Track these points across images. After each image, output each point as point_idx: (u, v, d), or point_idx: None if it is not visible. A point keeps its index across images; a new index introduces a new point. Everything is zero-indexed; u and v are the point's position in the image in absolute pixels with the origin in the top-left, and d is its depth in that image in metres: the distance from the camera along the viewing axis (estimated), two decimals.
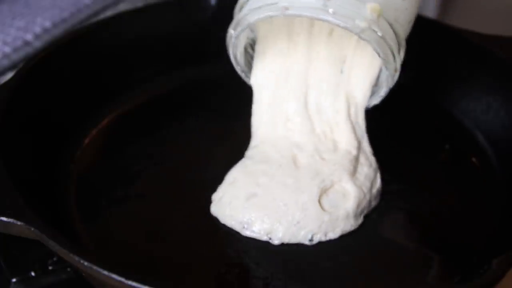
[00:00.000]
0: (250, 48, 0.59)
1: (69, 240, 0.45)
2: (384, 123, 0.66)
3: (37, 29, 0.74)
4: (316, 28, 0.58)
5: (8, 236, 0.47)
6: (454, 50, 0.67)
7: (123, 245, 0.53)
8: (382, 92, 0.57)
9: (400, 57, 0.54)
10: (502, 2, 1.06)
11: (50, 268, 0.51)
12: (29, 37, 0.73)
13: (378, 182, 0.57)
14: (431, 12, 1.12)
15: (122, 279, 0.42)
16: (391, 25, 0.52)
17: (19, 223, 0.46)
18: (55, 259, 0.51)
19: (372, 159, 0.58)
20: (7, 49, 0.71)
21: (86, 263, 0.43)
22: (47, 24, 0.75)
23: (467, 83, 0.66)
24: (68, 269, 0.51)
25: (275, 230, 0.53)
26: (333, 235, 0.54)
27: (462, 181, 0.60)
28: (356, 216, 0.54)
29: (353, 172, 0.56)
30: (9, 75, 0.63)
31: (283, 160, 0.56)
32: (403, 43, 0.54)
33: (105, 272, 0.42)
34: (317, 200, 0.54)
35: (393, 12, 0.53)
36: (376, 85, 0.59)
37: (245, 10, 0.53)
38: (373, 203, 0.56)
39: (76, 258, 0.43)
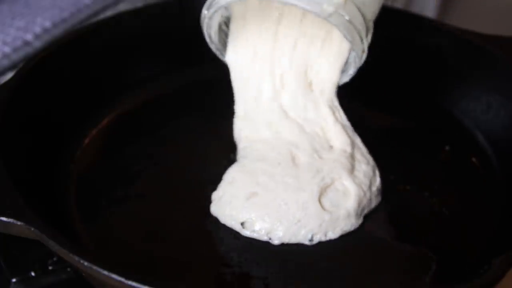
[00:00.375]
0: (225, 25, 0.60)
1: (69, 240, 0.45)
2: (384, 123, 0.66)
3: (37, 29, 0.74)
4: (287, 10, 0.59)
5: (8, 236, 0.47)
6: (454, 50, 0.67)
7: (123, 245, 0.53)
8: (351, 71, 0.58)
9: (367, 39, 0.55)
10: (502, 2, 1.06)
11: (50, 268, 0.51)
12: (29, 37, 0.73)
13: (377, 180, 0.57)
14: (431, 12, 1.12)
15: (122, 279, 0.42)
16: (359, 9, 0.53)
17: (19, 223, 0.46)
18: (55, 259, 0.51)
19: (369, 156, 0.58)
20: (7, 49, 0.71)
21: (86, 263, 0.43)
22: (47, 24, 0.75)
23: (467, 83, 0.66)
24: (68, 269, 0.51)
25: (275, 230, 0.53)
26: (333, 235, 0.54)
27: (462, 181, 0.60)
28: (357, 215, 0.54)
29: (351, 170, 0.56)
30: (9, 75, 0.63)
31: (281, 158, 0.56)
32: (371, 25, 0.55)
33: (105, 272, 0.42)
34: (317, 199, 0.54)
35: None
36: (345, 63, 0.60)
37: None
38: (374, 203, 0.56)
39: (76, 258, 0.43)
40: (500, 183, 0.59)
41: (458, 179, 0.60)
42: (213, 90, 0.68)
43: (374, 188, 0.57)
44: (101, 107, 0.64)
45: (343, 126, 0.59)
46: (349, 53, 0.58)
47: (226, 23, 0.60)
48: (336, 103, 0.60)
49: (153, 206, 0.56)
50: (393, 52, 0.69)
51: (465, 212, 0.57)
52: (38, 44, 0.73)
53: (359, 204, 0.55)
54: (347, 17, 0.52)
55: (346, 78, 0.59)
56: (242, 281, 0.50)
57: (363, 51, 0.55)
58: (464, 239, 0.54)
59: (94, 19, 0.77)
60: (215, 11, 0.55)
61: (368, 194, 0.56)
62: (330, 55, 0.59)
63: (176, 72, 0.70)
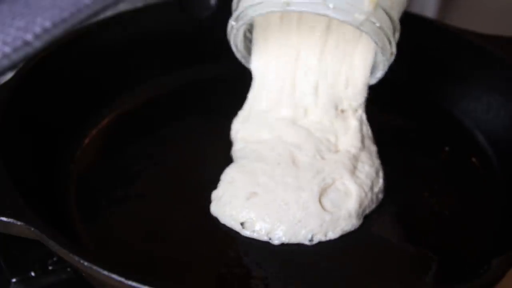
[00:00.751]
0: (248, 32, 0.60)
1: (69, 240, 0.45)
2: (384, 123, 0.66)
3: (37, 29, 0.74)
4: (312, 20, 0.59)
5: (8, 236, 0.47)
6: (454, 50, 0.67)
7: (123, 245, 0.53)
8: (379, 74, 0.59)
9: (395, 41, 0.55)
10: (502, 2, 1.06)
11: (50, 268, 0.51)
12: (29, 37, 0.73)
13: (380, 182, 0.57)
14: (431, 12, 1.12)
15: (122, 279, 0.42)
16: (387, 13, 0.53)
17: (19, 223, 0.46)
18: (55, 259, 0.51)
19: (375, 158, 0.59)
20: (7, 49, 0.71)
21: (86, 263, 0.43)
22: (47, 24, 0.75)
23: (467, 83, 0.66)
24: (68, 269, 0.51)
25: (275, 230, 0.53)
26: (333, 235, 0.54)
27: (462, 181, 0.60)
28: (358, 216, 0.54)
29: (353, 170, 0.56)
30: (9, 75, 0.63)
31: (280, 159, 0.56)
32: (398, 26, 0.56)
33: (105, 272, 0.42)
34: (317, 199, 0.54)
35: (390, 1, 0.54)
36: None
37: (246, 2, 0.54)
38: (375, 203, 0.56)
39: (76, 258, 0.43)
40: (500, 183, 0.59)
41: (458, 179, 0.60)
42: (213, 90, 0.68)
43: (376, 189, 0.57)
44: (101, 107, 0.64)
45: (362, 135, 0.59)
46: (374, 58, 0.59)
47: (249, 30, 0.60)
48: (364, 117, 0.60)
49: (153, 206, 0.56)
50: None
51: (465, 212, 0.57)
52: (38, 44, 0.73)
53: (360, 204, 0.55)
54: (378, 24, 0.52)
55: (373, 81, 0.60)
56: (242, 281, 0.50)
57: (391, 54, 0.56)
58: (464, 239, 0.54)
59: (94, 19, 0.77)
60: (244, 24, 0.55)
61: (369, 195, 0.55)
62: (357, 66, 0.60)
63: (176, 72, 0.69)
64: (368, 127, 0.60)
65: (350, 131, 0.59)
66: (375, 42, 0.53)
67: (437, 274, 0.51)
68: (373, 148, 0.60)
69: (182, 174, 0.59)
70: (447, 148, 0.63)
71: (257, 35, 0.60)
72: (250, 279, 0.51)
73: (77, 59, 0.64)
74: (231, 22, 0.56)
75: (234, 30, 0.56)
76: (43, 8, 0.77)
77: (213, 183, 0.57)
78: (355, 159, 0.57)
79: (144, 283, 0.42)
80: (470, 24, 0.69)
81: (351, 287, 0.51)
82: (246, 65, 0.61)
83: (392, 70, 0.70)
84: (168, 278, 0.50)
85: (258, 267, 0.52)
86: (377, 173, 0.57)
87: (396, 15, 0.55)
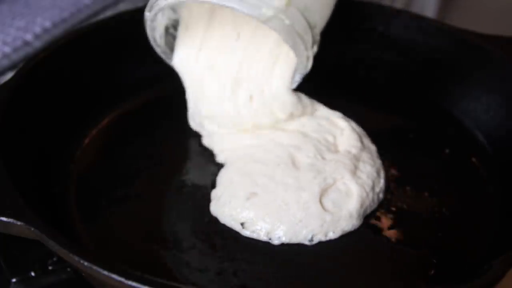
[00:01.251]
0: (173, 28, 0.60)
1: (69, 240, 0.45)
2: (384, 123, 0.66)
3: (37, 29, 0.74)
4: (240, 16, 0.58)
5: (8, 236, 0.47)
6: (454, 50, 0.67)
7: (123, 245, 0.53)
8: (297, 77, 0.58)
9: (313, 49, 0.54)
10: (502, 2, 1.06)
11: (50, 268, 0.51)
12: (29, 37, 0.73)
13: (381, 182, 0.57)
14: (431, 12, 1.12)
15: (122, 279, 0.42)
16: (302, 14, 0.52)
17: (19, 223, 0.46)
18: (55, 259, 0.51)
19: (376, 158, 0.59)
20: (7, 49, 0.71)
21: (86, 263, 0.43)
22: (47, 24, 0.75)
23: (467, 83, 0.66)
24: (68, 269, 0.51)
25: (275, 230, 0.53)
26: (333, 235, 0.54)
27: (462, 181, 0.60)
28: (358, 216, 0.54)
29: (354, 170, 0.56)
30: (9, 75, 0.63)
31: (280, 160, 0.56)
32: (318, 37, 0.54)
33: (105, 272, 0.42)
34: (318, 199, 0.54)
35: (304, 1, 0.53)
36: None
37: None
38: (376, 203, 0.56)
39: (76, 258, 0.43)
40: (500, 183, 0.59)
41: (458, 179, 0.60)
42: None
43: (377, 189, 0.57)
44: (101, 107, 0.64)
45: (358, 134, 0.59)
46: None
47: (174, 26, 0.59)
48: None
49: (153, 206, 0.56)
50: (393, 52, 0.70)
51: (465, 212, 0.57)
52: (38, 44, 0.73)
53: (361, 205, 0.55)
54: (287, 21, 0.51)
55: (293, 85, 0.59)
56: (242, 281, 0.50)
57: (307, 58, 0.54)
58: (464, 239, 0.54)
59: (94, 19, 0.77)
60: (156, 14, 0.55)
61: (370, 195, 0.55)
62: (277, 74, 0.58)
63: (176, 72, 0.69)
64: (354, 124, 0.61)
65: (345, 131, 0.60)
66: (285, 40, 0.51)
67: (437, 274, 0.51)
68: (373, 147, 0.60)
69: (182, 174, 0.59)
70: (447, 151, 0.63)
71: (181, 30, 0.59)
72: (250, 279, 0.51)
73: (77, 59, 0.64)
74: (145, 13, 0.56)
75: (148, 21, 0.56)
76: (43, 8, 0.77)
77: (213, 183, 0.57)
78: (356, 159, 0.57)
79: (144, 283, 0.42)
80: (470, 24, 0.69)
81: (350, 287, 0.51)
82: (167, 61, 0.61)
83: (392, 70, 0.70)
84: (168, 278, 0.50)
85: (258, 267, 0.52)
86: (378, 173, 0.57)
87: (314, 20, 0.53)
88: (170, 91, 0.68)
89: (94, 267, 0.43)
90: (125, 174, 0.59)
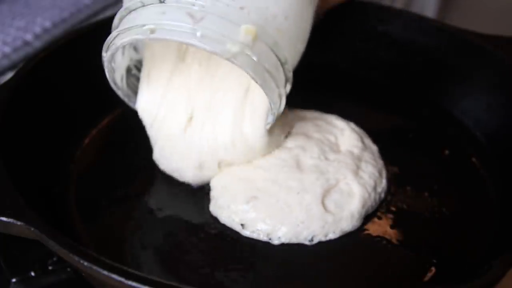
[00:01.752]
0: (136, 69, 0.56)
1: (69, 240, 0.45)
2: (384, 123, 0.66)
3: (37, 29, 0.74)
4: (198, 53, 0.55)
5: (8, 236, 0.47)
6: (454, 50, 0.67)
7: (123, 245, 0.53)
8: (270, 118, 0.53)
9: (284, 85, 0.50)
10: (502, 2, 1.06)
11: (50, 268, 0.51)
12: (29, 37, 0.73)
13: (383, 182, 0.57)
14: (431, 12, 1.12)
15: (122, 279, 0.42)
16: (271, 48, 0.48)
17: (19, 223, 0.46)
18: (55, 259, 0.51)
19: (378, 157, 0.59)
20: (7, 49, 0.71)
21: (86, 263, 0.43)
22: (47, 24, 0.75)
23: (467, 83, 0.66)
24: (68, 269, 0.51)
25: (277, 231, 0.53)
26: (333, 235, 0.54)
27: (462, 181, 0.60)
28: (360, 216, 0.54)
29: (357, 171, 0.56)
30: (9, 75, 0.63)
31: (284, 163, 0.56)
32: (290, 74, 0.50)
33: (105, 272, 0.42)
34: (320, 201, 0.54)
35: (274, 34, 0.48)
36: None
37: (115, 31, 0.50)
38: (377, 203, 0.56)
39: (76, 258, 0.43)
40: (500, 183, 0.59)
41: (458, 179, 0.60)
42: None
43: (379, 189, 0.56)
44: (101, 107, 0.64)
45: (358, 134, 0.59)
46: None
47: (137, 66, 0.56)
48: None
49: (153, 206, 0.56)
50: (393, 52, 0.70)
51: (465, 212, 0.57)
52: (38, 44, 0.73)
53: (363, 205, 0.54)
54: (255, 58, 0.47)
55: (266, 127, 0.54)
56: (242, 281, 0.50)
57: (279, 96, 0.50)
58: (464, 239, 0.54)
59: (94, 19, 0.77)
60: (113, 54, 0.51)
61: (372, 195, 0.55)
62: (249, 114, 0.54)
63: None
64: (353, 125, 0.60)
65: (346, 132, 0.59)
66: (253, 78, 0.47)
67: (437, 274, 0.51)
68: (374, 148, 0.60)
69: None
70: (447, 151, 0.63)
71: (144, 71, 0.56)
72: (250, 279, 0.51)
73: (77, 59, 0.64)
74: (102, 53, 0.51)
75: (106, 63, 0.52)
76: (43, 8, 0.77)
77: None
78: (358, 159, 0.57)
79: (144, 283, 0.42)
80: (470, 24, 0.69)
81: (350, 287, 0.51)
82: (129, 105, 0.58)
83: (392, 69, 0.70)
84: (168, 278, 0.50)
85: (258, 266, 0.52)
86: (380, 173, 0.57)
87: (284, 56, 0.49)
88: None
89: (94, 267, 0.43)
90: (125, 174, 0.59)
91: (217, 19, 0.46)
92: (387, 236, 0.54)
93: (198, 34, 0.46)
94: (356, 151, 0.58)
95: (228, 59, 0.46)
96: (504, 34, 0.66)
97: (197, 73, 0.55)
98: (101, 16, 0.77)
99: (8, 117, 0.55)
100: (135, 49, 0.57)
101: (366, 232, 0.54)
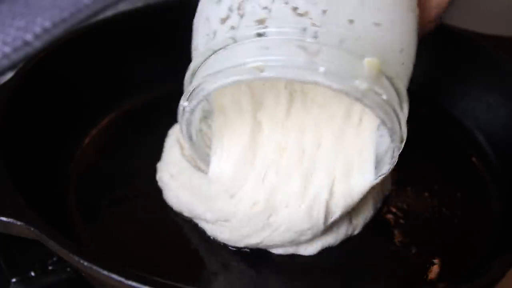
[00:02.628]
0: (204, 123, 0.48)
1: (69, 240, 0.45)
2: None
3: (37, 29, 0.74)
4: (297, 92, 0.47)
5: (8, 236, 0.47)
6: (454, 50, 0.67)
7: (123, 245, 0.53)
8: (384, 169, 0.46)
9: (404, 122, 0.43)
10: (502, 2, 1.06)
11: (50, 268, 0.51)
12: (29, 37, 0.73)
13: (389, 184, 0.57)
14: None
15: (122, 279, 0.42)
16: (392, 83, 0.42)
17: (19, 223, 0.46)
18: (55, 259, 0.51)
19: None
20: (7, 49, 0.71)
21: (86, 263, 0.43)
22: (47, 24, 0.75)
23: (467, 83, 0.66)
24: (68, 269, 0.51)
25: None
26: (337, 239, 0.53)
27: (462, 181, 0.60)
28: (370, 221, 0.54)
29: None
30: (9, 75, 0.63)
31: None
32: (406, 101, 0.44)
33: (105, 272, 0.42)
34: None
35: (393, 67, 0.42)
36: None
37: (201, 75, 0.42)
38: (381, 204, 0.56)
39: (76, 258, 0.43)
40: (500, 183, 0.59)
41: (458, 179, 0.60)
42: None
43: (386, 192, 0.56)
44: (101, 107, 0.64)
45: None
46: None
47: (206, 118, 0.48)
48: None
49: (153, 206, 0.56)
50: None
51: (465, 212, 0.57)
52: (38, 44, 0.73)
53: (374, 211, 0.54)
54: (384, 96, 0.40)
55: (377, 180, 0.48)
56: (241, 281, 0.50)
57: (401, 140, 0.43)
58: (464, 239, 0.54)
59: (94, 19, 0.77)
60: (199, 102, 0.43)
61: (381, 197, 0.55)
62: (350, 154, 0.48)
63: (177, 72, 0.69)
64: None
65: None
66: (383, 121, 0.41)
67: (437, 274, 0.51)
68: None
69: None
70: (447, 151, 0.63)
71: (218, 125, 0.47)
72: (250, 279, 0.51)
73: (77, 59, 0.64)
74: (182, 103, 0.44)
75: (187, 114, 0.44)
76: (43, 8, 0.77)
77: None
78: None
79: (144, 283, 0.42)
80: (470, 24, 0.69)
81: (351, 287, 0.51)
82: (203, 169, 0.50)
83: None
84: (168, 278, 0.50)
85: (258, 267, 0.52)
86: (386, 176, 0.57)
87: (403, 87, 0.43)
88: (170, 91, 0.68)
89: (94, 267, 0.43)
90: (125, 174, 0.59)
91: (336, 52, 0.39)
92: (387, 236, 0.54)
93: (321, 69, 0.38)
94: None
95: (358, 99, 0.39)
96: (504, 34, 0.66)
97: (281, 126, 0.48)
98: (101, 16, 0.77)
99: (8, 117, 0.55)
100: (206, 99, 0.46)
101: (366, 232, 0.54)
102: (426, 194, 0.58)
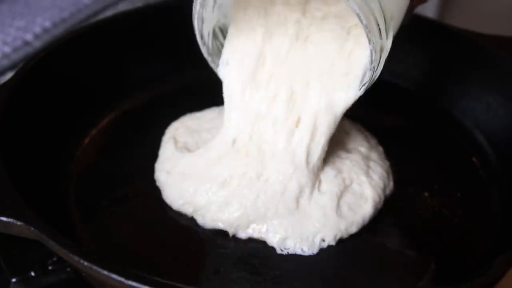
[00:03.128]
0: (221, 33, 0.54)
1: (69, 240, 0.45)
2: (383, 124, 0.66)
3: (37, 29, 0.74)
4: (309, 9, 0.53)
5: (8, 236, 0.47)
6: (454, 50, 0.67)
7: (123, 245, 0.53)
8: (366, 77, 0.50)
9: (388, 34, 0.47)
10: (502, 2, 1.06)
11: (50, 268, 0.51)
12: (29, 37, 0.73)
13: (391, 184, 0.57)
14: (431, 12, 1.12)
15: (122, 279, 0.42)
16: (379, 2, 0.46)
17: (19, 223, 0.46)
18: (55, 259, 0.51)
19: (384, 158, 0.59)
20: (7, 49, 0.71)
21: (86, 263, 0.43)
22: (47, 24, 0.75)
23: (467, 83, 0.66)
24: (68, 269, 0.51)
25: (286, 241, 0.52)
26: (340, 238, 0.53)
27: (462, 181, 0.60)
28: (369, 220, 0.54)
29: (367, 170, 0.56)
30: (9, 75, 0.63)
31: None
32: (392, 23, 0.48)
33: (105, 272, 0.42)
34: (336, 203, 0.53)
35: None
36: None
37: None
38: (382, 204, 0.56)
39: (76, 258, 0.43)
40: (500, 183, 0.59)
41: (458, 179, 0.60)
42: (213, 90, 0.68)
43: (387, 192, 0.56)
44: (101, 107, 0.64)
45: (364, 134, 0.59)
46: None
47: (222, 31, 0.54)
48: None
49: (153, 206, 0.56)
50: (393, 52, 0.69)
51: (465, 212, 0.57)
52: (38, 44, 0.73)
53: (375, 210, 0.54)
54: None
55: (360, 92, 0.52)
56: (241, 281, 0.50)
57: (381, 49, 0.47)
58: (464, 239, 0.54)
59: (94, 19, 0.77)
60: None
61: (382, 198, 0.55)
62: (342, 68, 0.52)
63: (176, 72, 0.69)
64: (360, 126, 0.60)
65: (352, 131, 0.59)
66: (359, 17, 0.45)
67: (437, 274, 0.51)
68: (380, 148, 0.60)
69: None
70: (447, 151, 0.63)
71: (232, 31, 0.53)
72: (250, 280, 0.51)
73: (77, 59, 0.64)
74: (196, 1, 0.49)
75: (198, 7, 0.49)
76: (43, 8, 0.77)
77: None
78: (367, 158, 0.57)
79: (144, 283, 0.42)
80: (470, 24, 0.69)
81: (351, 287, 0.51)
82: (212, 66, 0.56)
83: (392, 70, 0.70)
84: (168, 278, 0.50)
85: (258, 267, 0.52)
86: (388, 174, 0.57)
87: (392, 12, 0.48)
88: (170, 90, 0.68)
89: (94, 267, 0.43)
90: (125, 174, 0.59)
91: None
92: (387, 236, 0.54)
93: None
94: (363, 150, 0.58)
95: None
96: (504, 34, 0.66)
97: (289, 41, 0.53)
98: (101, 16, 0.77)
99: (8, 117, 0.55)
100: (225, 15, 0.53)
101: (366, 232, 0.54)
102: (426, 194, 0.58)
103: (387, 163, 0.59)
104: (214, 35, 0.54)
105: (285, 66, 0.54)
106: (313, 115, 0.53)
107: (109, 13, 0.78)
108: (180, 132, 0.60)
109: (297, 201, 0.53)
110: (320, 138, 0.53)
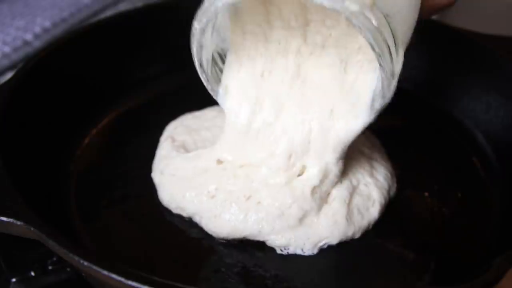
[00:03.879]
0: (220, 59, 0.52)
1: (69, 240, 0.45)
2: (383, 124, 0.66)
3: (37, 29, 0.74)
4: (308, 37, 0.51)
5: (8, 236, 0.47)
6: (454, 50, 0.67)
7: (123, 245, 0.53)
8: (377, 104, 0.49)
9: (398, 59, 0.45)
10: (502, 2, 1.06)
11: (50, 268, 0.51)
12: (29, 37, 0.73)
13: (395, 186, 0.57)
14: None
15: (122, 279, 0.42)
16: (387, 20, 0.44)
17: (19, 223, 0.46)
18: (55, 259, 0.51)
19: (387, 158, 0.58)
20: (7, 49, 0.71)
21: (86, 263, 0.43)
22: (47, 24, 0.75)
23: (467, 83, 0.66)
24: (68, 269, 0.51)
25: (291, 244, 0.52)
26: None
27: (462, 181, 0.60)
28: (374, 223, 0.54)
29: (371, 171, 0.56)
30: (9, 75, 0.63)
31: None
32: (401, 47, 0.46)
33: (105, 272, 0.42)
34: (347, 206, 0.53)
35: (389, 8, 0.44)
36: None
37: None
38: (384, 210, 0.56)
39: (76, 258, 0.43)
40: (500, 183, 0.59)
41: (458, 179, 0.60)
42: None
43: (392, 193, 0.56)
44: (101, 107, 0.64)
45: (365, 134, 0.59)
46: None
47: (221, 56, 0.52)
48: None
49: (152, 206, 0.56)
50: None
51: (465, 212, 0.57)
52: (38, 44, 0.73)
53: (381, 213, 0.54)
54: (374, 22, 0.42)
55: (370, 119, 0.50)
56: (242, 282, 0.50)
57: (392, 74, 0.45)
58: (464, 239, 0.54)
59: (94, 19, 0.77)
60: (209, 20, 0.46)
61: (387, 199, 0.55)
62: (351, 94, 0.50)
63: (176, 72, 0.69)
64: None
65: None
66: (371, 45, 0.43)
67: (437, 274, 0.51)
68: (382, 148, 0.60)
69: None
70: (447, 151, 0.63)
71: (230, 58, 0.51)
72: (250, 280, 0.51)
73: (77, 59, 0.64)
74: (194, 25, 0.47)
75: (197, 35, 0.47)
76: (43, 8, 0.77)
77: None
78: (370, 158, 0.57)
79: (144, 283, 0.42)
80: (470, 24, 0.69)
81: (351, 287, 0.51)
82: (211, 93, 0.53)
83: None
84: (168, 278, 0.50)
85: (258, 267, 0.51)
86: (392, 175, 0.57)
87: (399, 30, 0.45)
88: (170, 90, 0.68)
89: (94, 267, 0.43)
90: (125, 174, 0.59)
91: None
92: (387, 236, 0.54)
93: None
94: (366, 150, 0.58)
95: (347, 18, 0.42)
96: (504, 34, 0.66)
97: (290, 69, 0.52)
98: (101, 16, 0.77)
99: (8, 117, 0.55)
100: (223, 40, 0.52)
101: (367, 232, 0.54)
102: (426, 194, 0.58)
103: (390, 163, 0.59)
104: (213, 61, 0.52)
105: (283, 113, 0.52)
106: (320, 161, 0.52)
107: (109, 13, 0.78)
108: (179, 131, 0.60)
109: (301, 221, 0.52)
110: (332, 177, 0.52)
